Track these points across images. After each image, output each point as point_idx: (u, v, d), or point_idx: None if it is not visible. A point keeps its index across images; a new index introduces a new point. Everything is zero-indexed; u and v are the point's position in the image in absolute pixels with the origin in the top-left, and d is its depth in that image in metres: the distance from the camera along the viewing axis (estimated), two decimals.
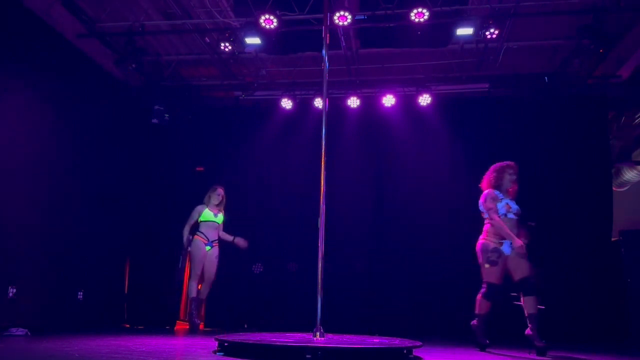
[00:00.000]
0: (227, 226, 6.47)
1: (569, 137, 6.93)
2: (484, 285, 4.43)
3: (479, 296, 4.46)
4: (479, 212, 4.64)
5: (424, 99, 7.11)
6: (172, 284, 7.01)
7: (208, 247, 6.11)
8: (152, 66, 7.13)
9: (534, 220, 4.58)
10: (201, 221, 6.17)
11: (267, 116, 7.62)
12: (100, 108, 6.78)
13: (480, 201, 4.56)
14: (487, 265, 4.36)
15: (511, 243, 4.27)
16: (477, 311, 4.48)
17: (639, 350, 5.38)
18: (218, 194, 6.25)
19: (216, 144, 7.66)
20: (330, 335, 4.04)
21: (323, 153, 4.06)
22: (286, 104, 7.38)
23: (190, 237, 6.18)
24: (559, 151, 6.91)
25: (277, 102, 7.44)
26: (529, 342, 4.19)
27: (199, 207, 6.21)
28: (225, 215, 6.40)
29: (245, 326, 6.92)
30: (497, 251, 4.33)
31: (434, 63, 7.09)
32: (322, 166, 4.05)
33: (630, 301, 6.23)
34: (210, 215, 6.18)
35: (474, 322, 4.50)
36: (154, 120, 7.15)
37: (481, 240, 4.49)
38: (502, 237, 4.34)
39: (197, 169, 7.71)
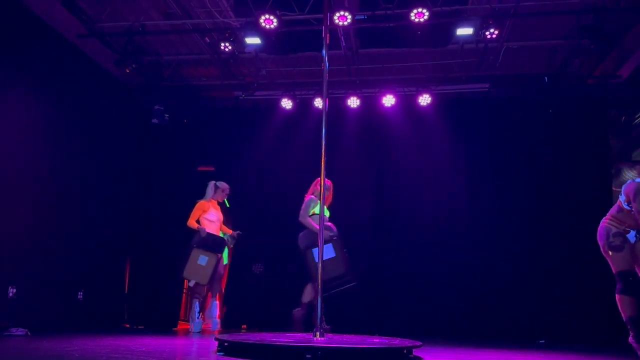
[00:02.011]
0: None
1: (569, 137, 6.93)
2: (618, 279, 3.75)
3: (616, 295, 3.71)
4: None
5: (424, 99, 7.11)
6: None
7: None
8: (152, 66, 7.12)
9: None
10: (315, 214, 5.34)
11: (267, 116, 7.62)
12: (100, 108, 6.78)
13: (626, 191, 3.76)
14: (610, 253, 3.72)
15: (637, 232, 3.67)
16: (623, 315, 3.67)
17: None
18: (328, 188, 5.46)
19: (216, 144, 7.66)
20: (330, 335, 4.04)
21: (323, 153, 4.06)
22: (286, 104, 7.38)
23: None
24: (559, 151, 6.91)
25: (277, 102, 7.43)
26: None
27: (315, 198, 5.39)
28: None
29: (244, 327, 6.91)
30: (620, 235, 3.71)
31: (434, 63, 7.08)
32: (322, 166, 4.05)
33: None
34: (326, 209, 5.32)
35: (630, 337, 3.66)
36: (154, 120, 7.16)
37: (602, 223, 3.85)
38: (628, 225, 3.72)
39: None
